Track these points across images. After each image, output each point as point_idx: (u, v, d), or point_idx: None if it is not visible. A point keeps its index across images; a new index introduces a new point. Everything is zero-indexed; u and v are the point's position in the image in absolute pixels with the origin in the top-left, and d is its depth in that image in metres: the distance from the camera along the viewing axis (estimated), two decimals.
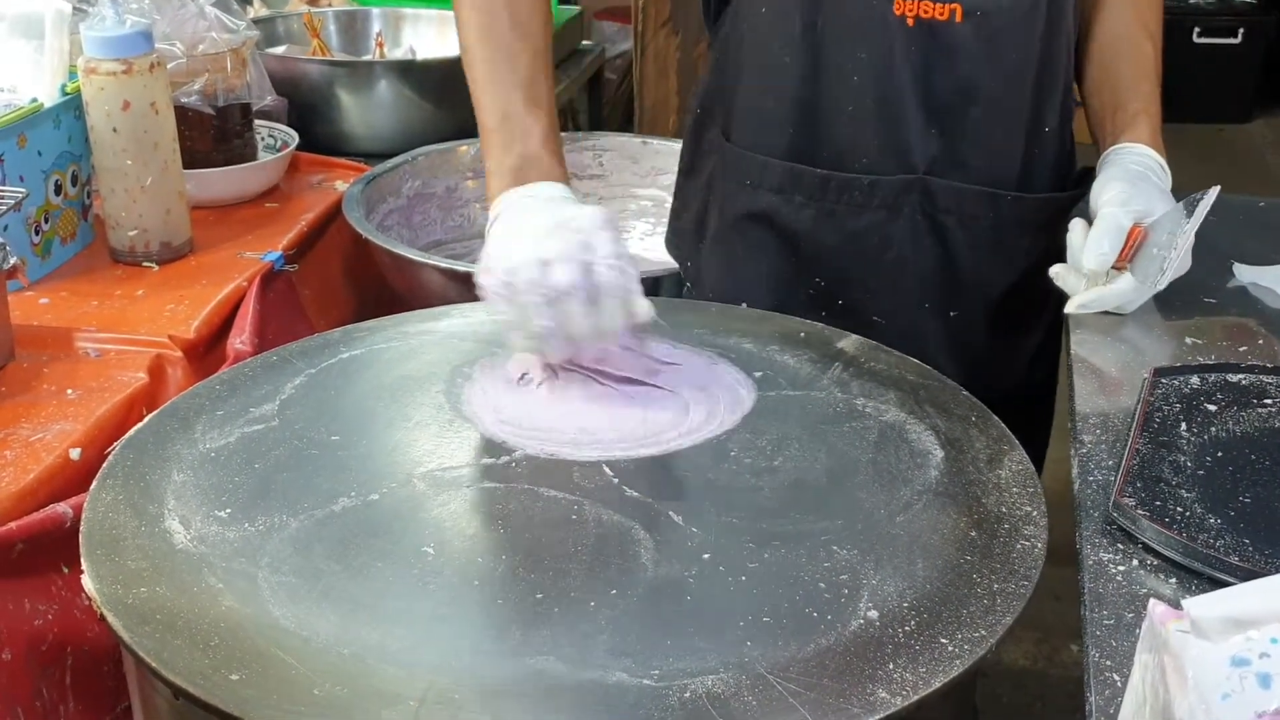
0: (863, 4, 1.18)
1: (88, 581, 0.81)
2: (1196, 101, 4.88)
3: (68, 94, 1.47)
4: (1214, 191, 1.16)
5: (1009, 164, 1.24)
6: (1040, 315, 1.32)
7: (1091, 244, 1.14)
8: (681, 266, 1.41)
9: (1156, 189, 1.18)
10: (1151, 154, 1.22)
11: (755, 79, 1.26)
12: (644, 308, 0.98)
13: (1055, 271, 1.20)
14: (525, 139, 1.07)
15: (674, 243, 1.43)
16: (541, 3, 1.14)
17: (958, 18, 1.17)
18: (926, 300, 1.23)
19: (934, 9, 1.17)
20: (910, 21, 1.17)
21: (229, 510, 0.88)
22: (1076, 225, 1.19)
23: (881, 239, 1.24)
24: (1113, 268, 1.15)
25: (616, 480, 0.92)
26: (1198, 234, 1.15)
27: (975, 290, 1.26)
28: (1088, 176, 1.30)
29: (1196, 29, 4.87)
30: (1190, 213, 1.15)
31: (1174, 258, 1.14)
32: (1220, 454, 0.95)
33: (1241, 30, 4.88)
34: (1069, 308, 1.18)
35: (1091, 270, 1.15)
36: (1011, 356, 1.27)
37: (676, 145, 1.53)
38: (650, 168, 1.94)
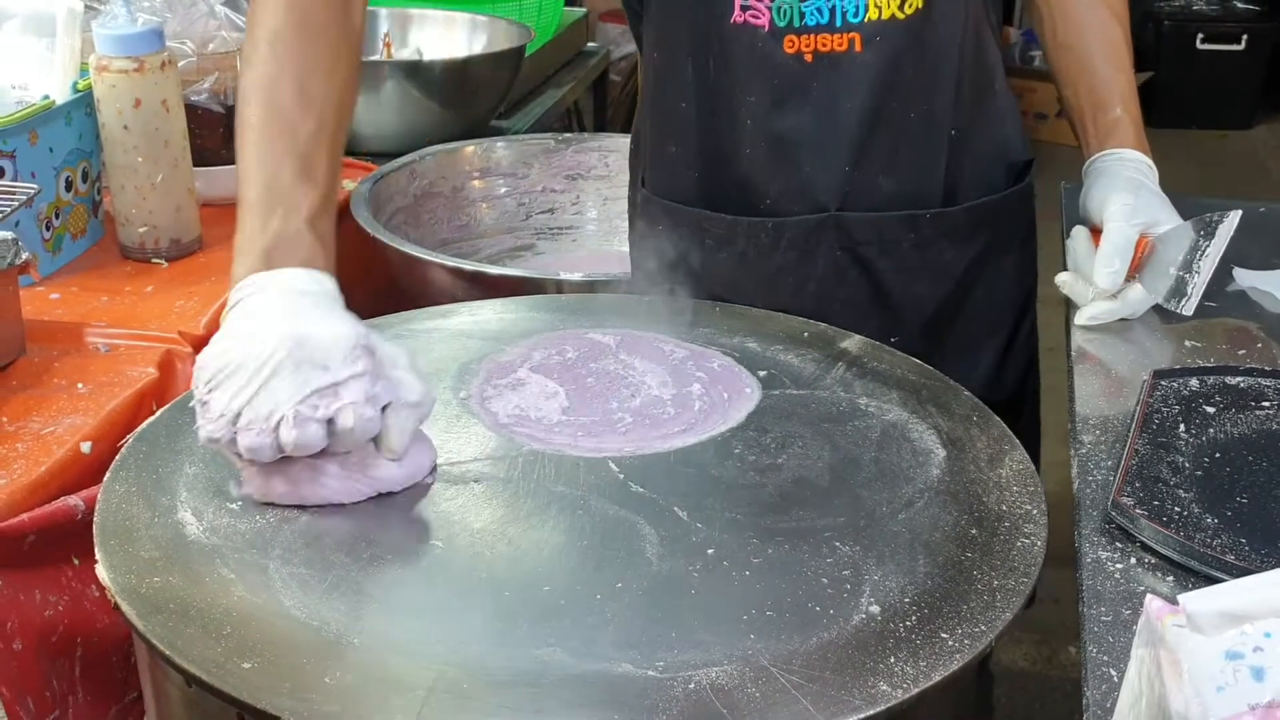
0: (748, 46, 1.14)
1: (102, 571, 0.83)
2: (1199, 107, 4.90)
3: (79, 91, 1.48)
4: (1235, 215, 1.16)
5: (928, 181, 1.20)
6: (997, 320, 1.30)
7: (1102, 262, 1.14)
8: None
9: (1157, 197, 1.19)
10: (1141, 159, 1.21)
11: (658, 124, 1.24)
12: (397, 443, 0.87)
13: (1062, 280, 1.20)
14: (287, 215, 0.93)
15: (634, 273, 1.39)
16: (341, 61, 1.02)
17: (857, 46, 1.13)
18: (863, 330, 1.18)
19: (832, 41, 1.13)
20: (809, 58, 1.13)
21: (240, 503, 0.89)
22: (1079, 234, 1.20)
23: (798, 278, 1.21)
24: None
25: (622, 476, 0.93)
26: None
27: (911, 312, 1.23)
28: (1027, 171, 1.29)
29: (1200, 35, 4.89)
30: (1207, 234, 1.16)
31: (1199, 283, 1.15)
32: (1218, 455, 0.96)
33: (1245, 37, 4.89)
34: (1079, 319, 1.18)
35: (1103, 289, 1.15)
36: (970, 367, 1.22)
37: None
38: None
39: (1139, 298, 1.17)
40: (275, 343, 0.84)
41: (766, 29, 1.13)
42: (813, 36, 1.13)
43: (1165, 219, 1.17)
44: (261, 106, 0.98)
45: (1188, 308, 1.17)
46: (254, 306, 0.89)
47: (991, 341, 1.30)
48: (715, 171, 1.21)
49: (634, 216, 1.34)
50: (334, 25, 1.01)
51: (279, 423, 0.83)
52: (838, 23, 1.12)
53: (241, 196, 0.96)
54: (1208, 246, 1.15)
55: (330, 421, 0.84)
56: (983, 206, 1.24)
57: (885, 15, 1.12)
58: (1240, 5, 5.03)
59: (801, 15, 1.12)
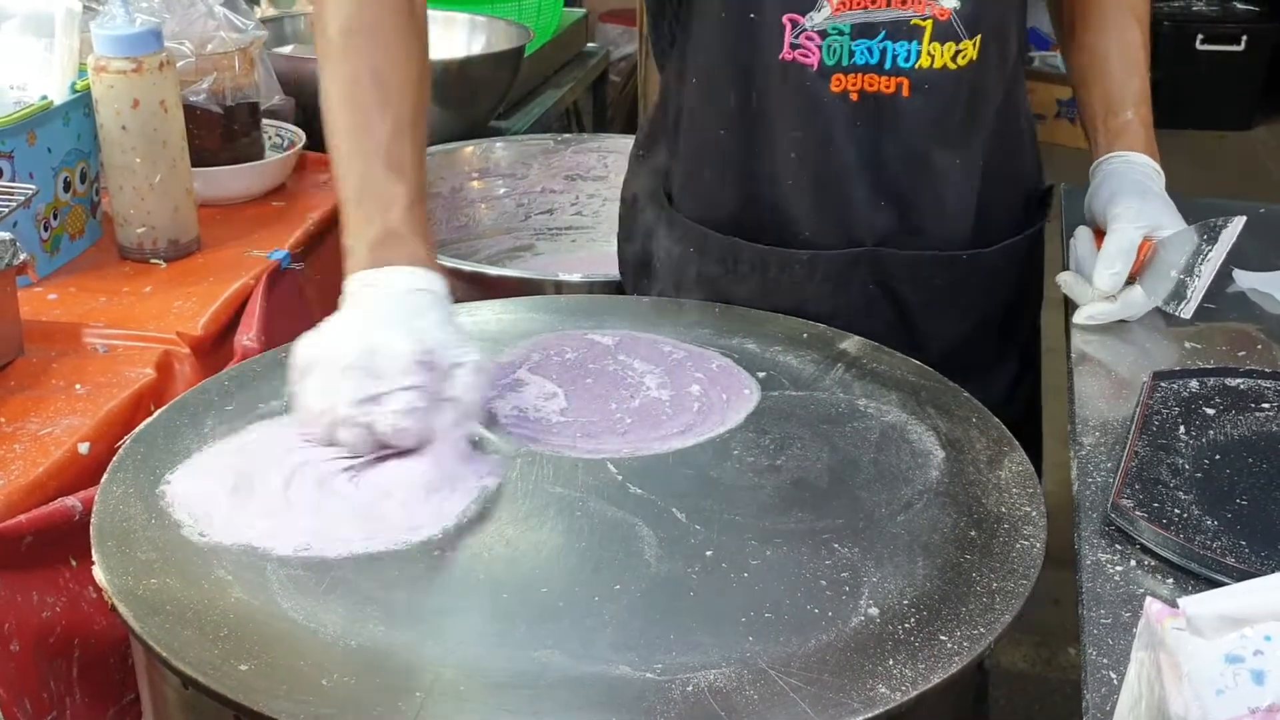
0: (795, 83, 1.13)
1: (99, 572, 0.82)
2: (1199, 108, 4.90)
3: (77, 92, 1.48)
4: (1239, 221, 1.16)
5: (963, 222, 1.21)
6: (1009, 347, 1.31)
7: (1104, 263, 1.14)
8: (629, 291, 1.37)
9: (1162, 201, 1.19)
10: (1150, 163, 1.22)
11: (694, 148, 1.23)
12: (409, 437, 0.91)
13: (1063, 280, 1.20)
14: (385, 211, 0.99)
15: (620, 268, 1.39)
16: (414, 58, 1.05)
17: (905, 91, 1.12)
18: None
19: (879, 82, 1.12)
20: (855, 96, 1.13)
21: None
22: (1082, 235, 1.20)
23: (828, 309, 1.20)
24: None
25: (621, 478, 0.93)
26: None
27: (934, 342, 1.23)
28: (1049, 198, 1.30)
29: (1199, 36, 4.89)
30: (1210, 239, 1.16)
31: (1199, 286, 1.15)
32: (1218, 457, 0.96)
33: (1244, 38, 4.89)
34: (1077, 318, 1.18)
35: (1103, 291, 1.15)
36: (985, 389, 1.17)
37: None
38: None
39: (1139, 300, 1.17)
40: (347, 348, 0.91)
41: (815, 68, 1.12)
42: (860, 76, 1.12)
43: (1170, 224, 1.17)
44: (344, 106, 1.02)
45: (1186, 311, 1.17)
46: (355, 306, 0.96)
47: (1006, 364, 1.31)
48: (752, 201, 1.20)
49: (630, 221, 1.34)
50: (402, 16, 1.05)
51: (332, 418, 0.90)
52: (887, 65, 1.12)
53: (341, 196, 1.03)
54: (1210, 251, 1.15)
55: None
56: (1014, 247, 1.25)
57: (938, 64, 1.12)
58: (1240, 6, 5.03)
59: (851, 54, 1.12)
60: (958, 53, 1.12)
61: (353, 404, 0.89)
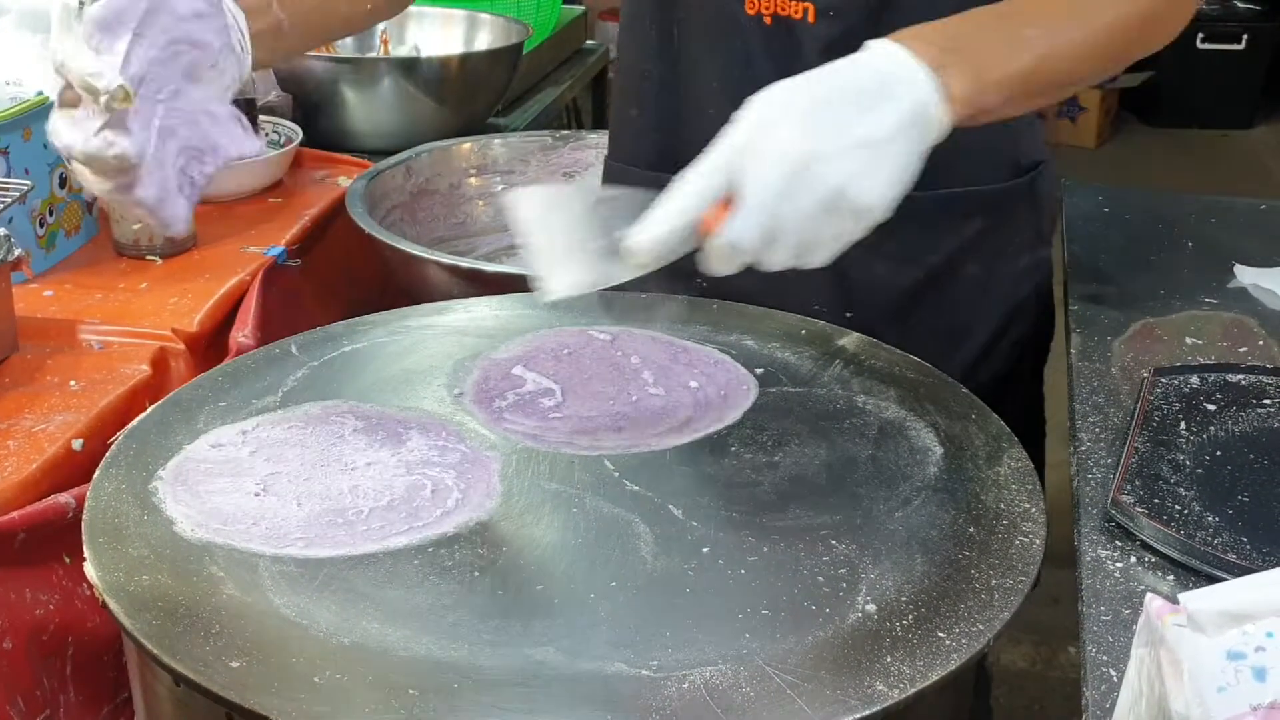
0: (715, 7, 1.14)
1: (90, 569, 0.82)
2: (1200, 107, 4.89)
3: None
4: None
5: None
6: (979, 317, 1.24)
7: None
8: None
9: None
10: (874, 45, 0.89)
11: (623, 89, 1.24)
12: None
13: None
14: None
15: None
16: None
17: (810, 17, 1.11)
18: (816, 301, 1.15)
19: (790, 6, 1.11)
20: (768, 20, 1.12)
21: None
22: None
23: None
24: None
25: (617, 474, 0.92)
26: (1199, 238, 1.16)
27: (871, 293, 1.19)
28: (1033, 171, 1.21)
29: (1200, 35, 4.88)
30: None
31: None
32: (1219, 453, 0.95)
33: (1245, 36, 4.88)
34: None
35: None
36: (939, 360, 1.13)
37: None
38: None
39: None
40: None
41: None
42: (772, 0, 1.12)
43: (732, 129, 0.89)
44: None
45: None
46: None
47: (970, 339, 1.23)
48: (675, 133, 1.20)
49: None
50: None
51: None
52: None
53: None
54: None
55: None
56: (960, 197, 1.18)
57: None
58: (1240, 5, 5.02)
59: None
60: None
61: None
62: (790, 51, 1.13)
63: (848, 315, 1.13)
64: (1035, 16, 0.94)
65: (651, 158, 1.21)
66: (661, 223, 0.83)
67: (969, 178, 1.19)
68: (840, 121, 0.81)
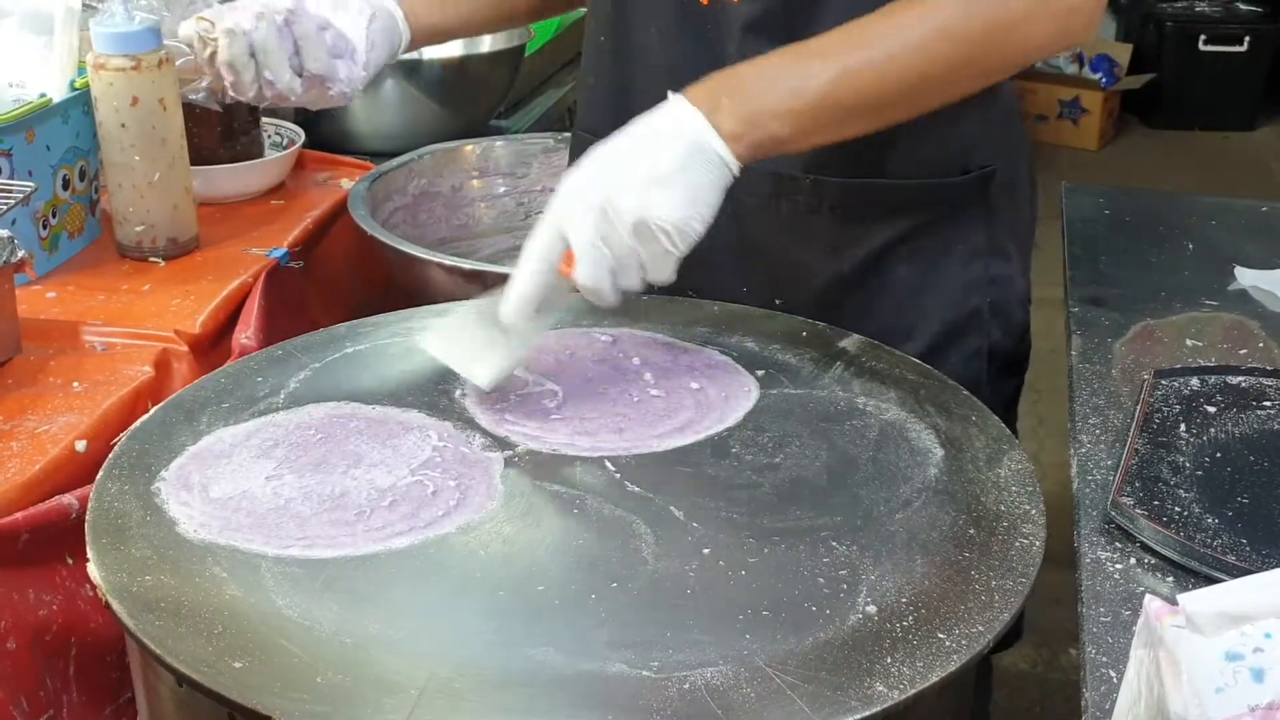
0: None
1: (93, 569, 0.82)
2: (1202, 109, 4.89)
3: (76, 89, 1.47)
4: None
5: (819, 149, 1.10)
6: (911, 322, 1.21)
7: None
8: None
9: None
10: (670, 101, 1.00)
11: (585, 60, 1.31)
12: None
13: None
14: None
15: None
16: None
17: None
18: (745, 284, 1.17)
19: None
20: (704, 1, 1.15)
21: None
22: None
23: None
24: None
25: (618, 475, 0.93)
26: (1200, 239, 1.16)
27: (797, 280, 1.20)
28: (986, 179, 1.19)
29: (1203, 37, 4.88)
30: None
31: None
32: (1219, 455, 0.95)
33: (1248, 38, 4.88)
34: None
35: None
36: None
37: None
38: None
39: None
40: None
41: None
42: None
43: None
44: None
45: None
46: None
47: (907, 344, 1.19)
48: (619, 102, 1.23)
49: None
50: None
51: None
52: None
53: None
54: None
55: None
56: (885, 188, 1.17)
57: None
58: (1243, 7, 5.02)
59: None
60: None
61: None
62: (720, 32, 1.17)
63: (777, 302, 1.17)
64: (828, 47, 1.01)
65: (609, 126, 1.16)
66: (520, 285, 0.98)
67: (899, 173, 1.18)
68: (628, 164, 0.95)
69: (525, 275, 0.98)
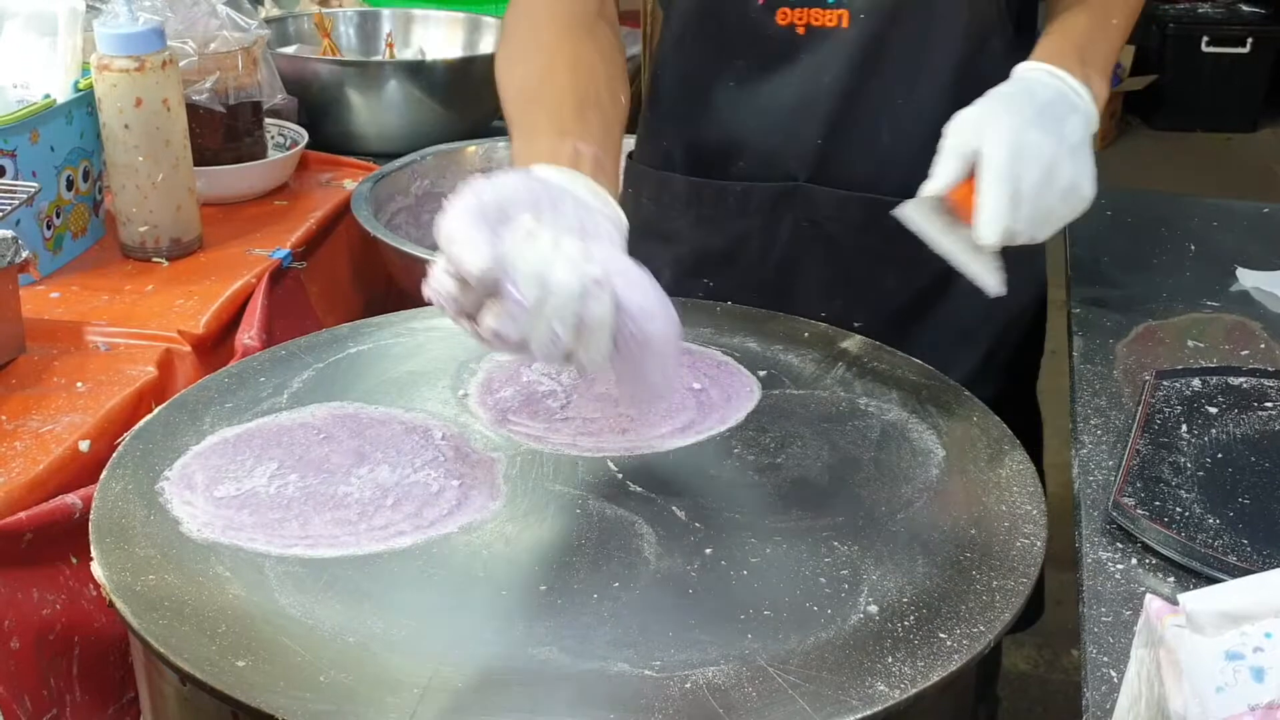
0: (740, 15, 1.15)
1: (97, 569, 0.82)
2: (1204, 110, 4.89)
3: (80, 90, 1.48)
4: (905, 206, 1.01)
5: (901, 169, 1.13)
6: (979, 325, 1.24)
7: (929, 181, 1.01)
8: None
9: (1007, 107, 0.99)
10: (1037, 69, 1.02)
11: (651, 93, 1.26)
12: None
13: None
14: (557, 143, 0.92)
15: None
16: (618, 88, 1.04)
17: (844, 23, 1.14)
18: (824, 309, 1.17)
19: (823, 16, 1.14)
20: (801, 30, 1.14)
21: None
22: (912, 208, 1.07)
23: (762, 244, 1.21)
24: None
25: (621, 475, 0.93)
26: (1202, 241, 1.16)
27: (877, 300, 1.22)
28: None
29: (1205, 38, 4.88)
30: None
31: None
32: (1220, 456, 0.96)
33: (1250, 40, 4.88)
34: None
35: (926, 193, 1.01)
36: (943, 368, 1.14)
37: None
38: None
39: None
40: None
41: (761, 1, 1.14)
42: (805, 10, 1.14)
43: (993, 137, 0.96)
44: (530, 88, 1.00)
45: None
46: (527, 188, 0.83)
47: (970, 347, 1.24)
48: (694, 135, 1.22)
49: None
50: (592, 15, 1.06)
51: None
52: (829, 0, 1.13)
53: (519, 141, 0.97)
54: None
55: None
56: None
57: None
58: (1245, 8, 5.02)
59: None
60: None
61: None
62: (818, 61, 1.15)
63: (855, 325, 1.15)
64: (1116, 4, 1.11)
65: (672, 159, 1.23)
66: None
67: None
68: (1056, 130, 0.97)
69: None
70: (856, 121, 1.17)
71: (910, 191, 1.13)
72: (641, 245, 1.19)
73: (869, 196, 1.18)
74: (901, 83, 1.16)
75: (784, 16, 1.14)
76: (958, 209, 0.98)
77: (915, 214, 1.01)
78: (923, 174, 1.09)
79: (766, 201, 1.20)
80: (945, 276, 1.19)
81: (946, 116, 1.12)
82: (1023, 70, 1.02)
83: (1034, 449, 1.24)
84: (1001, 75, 1.10)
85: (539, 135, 0.95)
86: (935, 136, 1.10)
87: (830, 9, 1.14)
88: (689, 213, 1.23)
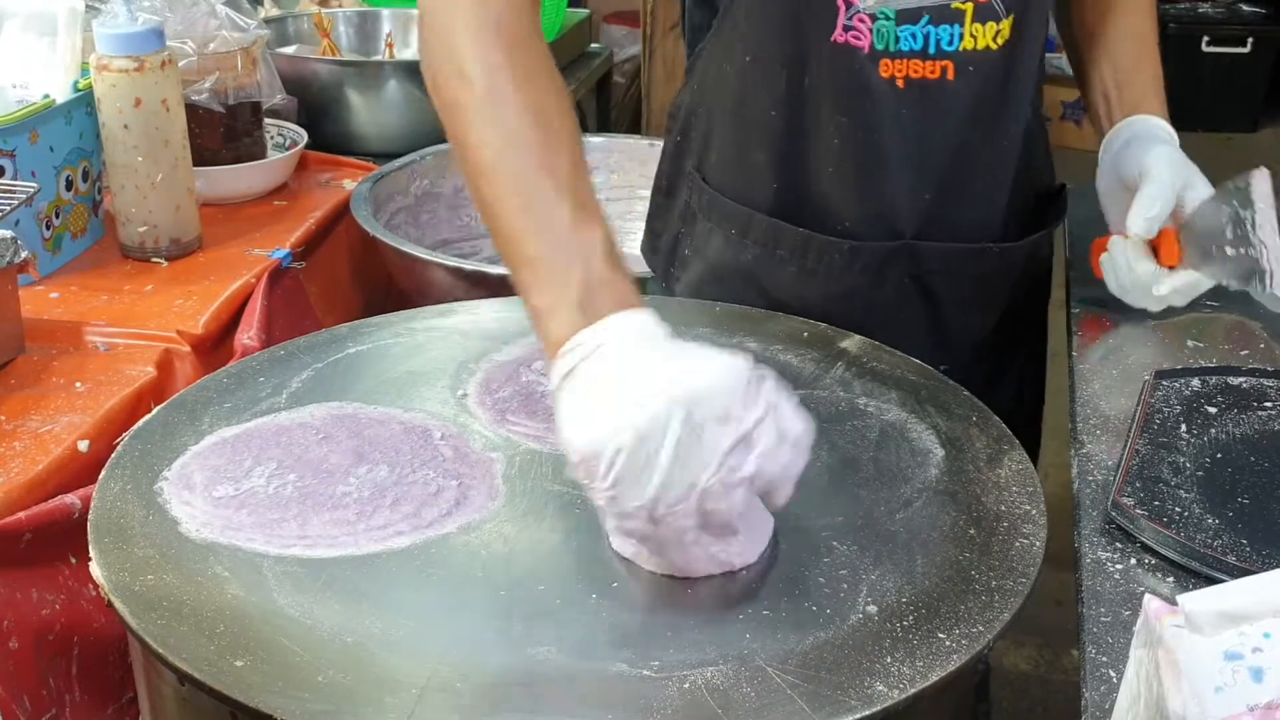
0: (845, 66, 1.11)
1: (96, 569, 0.82)
2: (1204, 111, 4.88)
3: (80, 90, 1.48)
4: (1261, 175, 1.12)
5: (995, 214, 1.20)
6: (1020, 344, 1.31)
7: (1143, 204, 1.14)
8: (659, 280, 1.35)
9: (1187, 162, 1.19)
10: (1170, 129, 1.22)
11: (737, 127, 1.21)
12: (783, 494, 0.81)
13: (1119, 288, 1.20)
14: (585, 261, 0.82)
15: (650, 257, 1.36)
16: (568, 102, 0.94)
17: (949, 75, 1.12)
18: (915, 353, 1.15)
19: (924, 68, 1.11)
20: (901, 83, 1.12)
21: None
22: (1116, 244, 1.19)
23: (865, 301, 1.19)
24: (1163, 265, 1.17)
25: None
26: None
27: (963, 339, 1.23)
28: (1062, 196, 1.30)
29: (1205, 38, 4.88)
30: (1242, 203, 1.11)
31: (1271, 255, 1.10)
32: (1219, 456, 0.96)
33: (1250, 40, 4.88)
34: (1151, 304, 1.19)
35: (1139, 234, 1.15)
36: (996, 390, 1.17)
37: None
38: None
39: (1194, 280, 1.17)
40: (665, 407, 0.75)
41: (866, 51, 1.11)
42: (906, 62, 1.11)
43: (1199, 184, 1.17)
44: (511, 153, 0.88)
45: (1277, 285, 1.09)
46: (605, 369, 0.78)
47: (1016, 366, 1.30)
48: (795, 185, 1.19)
49: (665, 209, 1.32)
50: (536, 39, 0.94)
51: (699, 498, 0.76)
52: (931, 50, 1.11)
53: (521, 255, 0.85)
54: (1253, 216, 1.10)
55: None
56: (1037, 242, 1.25)
57: (980, 46, 1.11)
58: (1246, 8, 5.01)
59: (897, 39, 1.10)
60: (997, 32, 1.11)
61: (717, 468, 0.75)
62: (925, 113, 1.13)
63: (941, 367, 1.11)
64: (1150, 35, 1.29)
65: (767, 203, 1.20)
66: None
67: (1035, 220, 1.26)
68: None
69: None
70: (960, 175, 1.16)
71: (999, 232, 1.22)
72: (729, 282, 1.23)
73: (973, 247, 1.20)
74: (998, 129, 1.16)
75: (886, 68, 1.11)
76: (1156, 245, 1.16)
77: (1118, 251, 1.18)
78: (1011, 213, 1.22)
79: (874, 261, 1.18)
80: (1013, 308, 1.27)
81: (1020, 159, 1.20)
82: (1161, 125, 1.23)
83: (1032, 449, 1.28)
84: (1039, 93, 1.23)
85: (568, 241, 0.84)
86: (1017, 180, 1.21)
87: (932, 60, 1.11)
88: (792, 263, 1.20)
